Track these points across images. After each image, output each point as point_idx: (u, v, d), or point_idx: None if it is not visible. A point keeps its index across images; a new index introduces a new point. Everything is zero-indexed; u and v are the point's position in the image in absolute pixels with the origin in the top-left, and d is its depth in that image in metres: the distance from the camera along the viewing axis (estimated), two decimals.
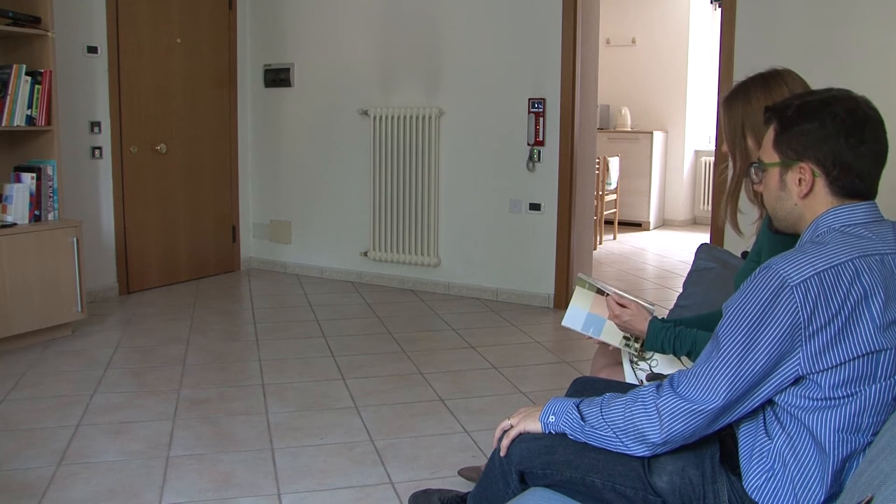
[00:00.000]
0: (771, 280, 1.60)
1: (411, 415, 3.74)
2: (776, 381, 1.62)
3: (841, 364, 1.58)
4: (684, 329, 2.19)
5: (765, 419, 1.72)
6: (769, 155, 1.78)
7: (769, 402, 1.68)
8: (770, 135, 1.78)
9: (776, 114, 1.76)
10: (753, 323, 1.60)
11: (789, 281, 1.57)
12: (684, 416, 1.66)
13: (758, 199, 2.27)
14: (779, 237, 2.02)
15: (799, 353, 1.58)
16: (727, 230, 5.04)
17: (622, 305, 2.27)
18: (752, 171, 1.84)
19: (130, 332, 5.15)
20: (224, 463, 3.21)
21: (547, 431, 1.87)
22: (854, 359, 1.58)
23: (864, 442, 1.62)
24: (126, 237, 6.02)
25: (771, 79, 2.25)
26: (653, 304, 2.36)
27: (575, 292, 2.43)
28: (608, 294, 2.32)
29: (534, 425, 1.88)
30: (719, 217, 4.66)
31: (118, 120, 5.89)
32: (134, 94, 5.96)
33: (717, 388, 1.63)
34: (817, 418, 1.62)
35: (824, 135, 1.67)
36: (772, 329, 1.58)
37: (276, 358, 4.60)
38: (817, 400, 1.61)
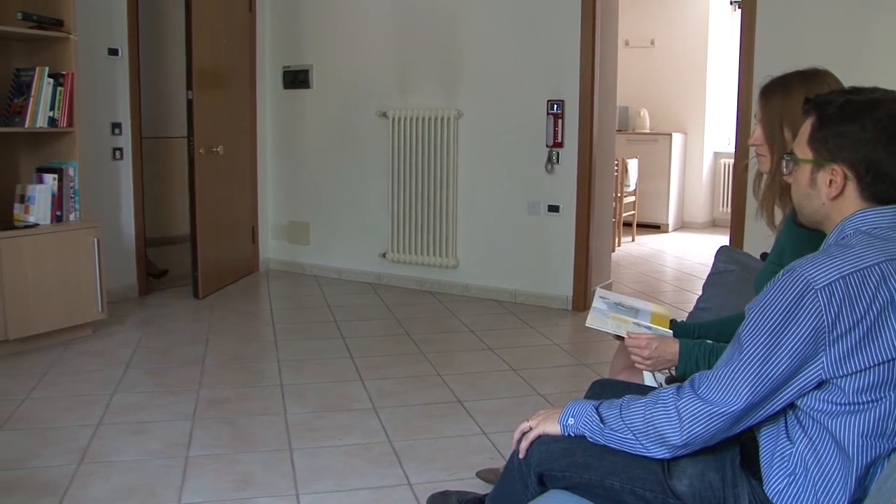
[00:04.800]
0: (795, 283, 1.57)
1: (429, 416, 3.74)
2: (799, 384, 1.60)
3: (865, 369, 1.55)
4: (716, 344, 2.16)
5: (786, 423, 1.69)
6: (803, 150, 1.74)
7: (791, 405, 1.66)
8: (806, 129, 1.74)
9: (817, 108, 1.72)
10: (777, 326, 1.58)
11: (814, 284, 1.55)
12: (705, 418, 1.64)
13: (770, 193, 2.24)
14: (801, 236, 1.99)
15: (822, 357, 1.56)
16: (746, 232, 5.02)
17: (640, 346, 2.21)
18: (784, 162, 1.81)
19: (150, 332, 5.17)
20: (242, 463, 3.21)
21: (566, 434, 1.85)
22: (879, 364, 1.55)
23: (888, 447, 1.60)
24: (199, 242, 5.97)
25: (812, 76, 2.21)
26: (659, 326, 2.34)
27: (595, 296, 2.44)
28: (623, 338, 2.29)
29: (553, 427, 1.87)
30: (740, 212, 4.60)
31: (138, 121, 5.90)
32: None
33: (738, 391, 1.61)
34: (841, 423, 1.59)
35: (863, 139, 1.64)
36: (795, 332, 1.56)
37: (294, 358, 4.61)
38: (841, 405, 1.59)
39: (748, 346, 1.61)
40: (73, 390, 4.03)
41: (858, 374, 1.56)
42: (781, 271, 1.63)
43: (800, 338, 1.56)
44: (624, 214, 8.74)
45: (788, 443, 1.68)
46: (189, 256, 6.05)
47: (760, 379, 1.59)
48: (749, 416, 1.65)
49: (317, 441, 3.44)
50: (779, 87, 2.22)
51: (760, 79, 2.30)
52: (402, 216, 6.39)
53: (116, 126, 5.78)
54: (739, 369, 1.62)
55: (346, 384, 4.18)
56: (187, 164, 5.97)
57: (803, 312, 1.55)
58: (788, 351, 1.57)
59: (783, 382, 1.60)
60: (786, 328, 1.57)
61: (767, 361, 1.59)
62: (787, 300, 1.57)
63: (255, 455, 3.29)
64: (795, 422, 1.67)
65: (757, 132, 2.27)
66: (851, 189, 1.68)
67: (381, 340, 5.02)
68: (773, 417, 1.69)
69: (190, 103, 5.86)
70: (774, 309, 1.59)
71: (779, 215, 2.32)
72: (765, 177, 2.29)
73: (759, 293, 1.66)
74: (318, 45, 6.75)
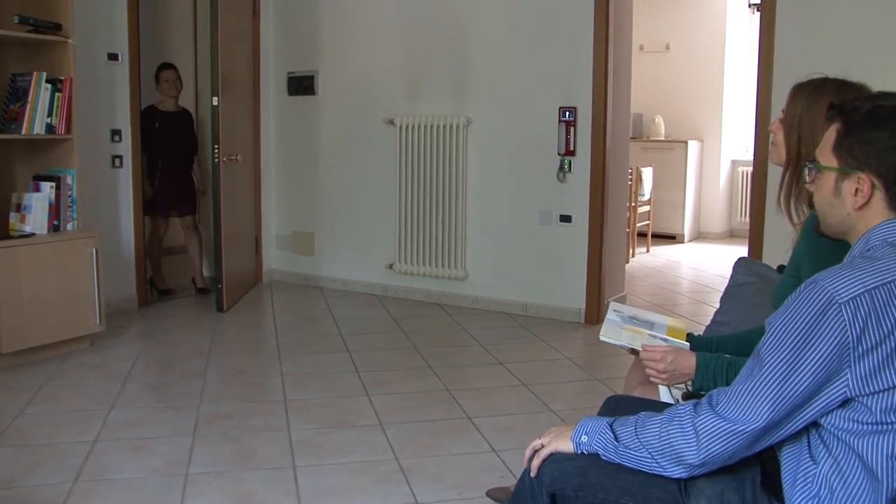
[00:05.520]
0: (817, 296, 1.53)
1: (437, 433, 3.70)
2: (822, 402, 1.55)
3: (893, 387, 1.50)
4: (735, 358, 2.10)
5: (809, 442, 1.64)
6: (827, 157, 1.70)
7: (815, 423, 1.61)
8: (831, 136, 1.70)
9: (842, 114, 1.68)
10: (798, 341, 1.53)
11: (837, 298, 1.50)
12: (723, 436, 1.59)
13: (803, 200, 2.18)
14: (823, 246, 1.93)
15: (847, 374, 1.51)
16: (766, 243, 4.97)
17: (655, 360, 2.16)
18: (806, 170, 1.77)
19: (149, 344, 5.16)
20: (245, 481, 3.19)
21: (579, 452, 1.81)
22: None
23: None
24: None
25: (850, 88, 2.13)
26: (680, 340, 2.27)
27: (608, 310, 2.39)
28: (638, 353, 2.24)
29: (565, 445, 1.82)
30: (759, 222, 4.53)
31: (139, 128, 5.85)
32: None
33: (758, 409, 1.56)
34: (868, 443, 1.54)
35: (891, 146, 1.61)
36: (818, 348, 1.51)
37: (298, 373, 4.57)
38: (867, 424, 1.53)
39: (769, 361, 1.57)
40: (69, 405, 4.00)
41: (886, 393, 1.51)
42: (803, 284, 1.59)
43: (823, 354, 1.51)
44: (638, 224, 8.69)
45: (812, 463, 1.63)
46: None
47: (781, 396, 1.55)
48: (770, 434, 1.60)
49: (321, 458, 3.41)
50: (808, 89, 2.18)
51: (780, 84, 2.23)
52: (409, 226, 6.33)
53: (116, 133, 5.74)
54: (759, 386, 1.57)
55: (352, 399, 4.14)
56: (212, 173, 5.91)
57: (826, 327, 1.51)
58: (811, 367, 1.52)
59: (805, 400, 1.55)
60: (808, 344, 1.52)
61: (789, 378, 1.54)
62: (809, 314, 1.53)
63: (258, 473, 3.27)
64: (819, 441, 1.62)
65: (777, 121, 2.25)
66: (879, 198, 1.64)
67: (387, 354, 4.98)
68: (796, 436, 1.64)
69: (215, 110, 5.76)
70: (796, 323, 1.54)
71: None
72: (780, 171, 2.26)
73: (781, 306, 1.61)
74: (324, 50, 6.71)
